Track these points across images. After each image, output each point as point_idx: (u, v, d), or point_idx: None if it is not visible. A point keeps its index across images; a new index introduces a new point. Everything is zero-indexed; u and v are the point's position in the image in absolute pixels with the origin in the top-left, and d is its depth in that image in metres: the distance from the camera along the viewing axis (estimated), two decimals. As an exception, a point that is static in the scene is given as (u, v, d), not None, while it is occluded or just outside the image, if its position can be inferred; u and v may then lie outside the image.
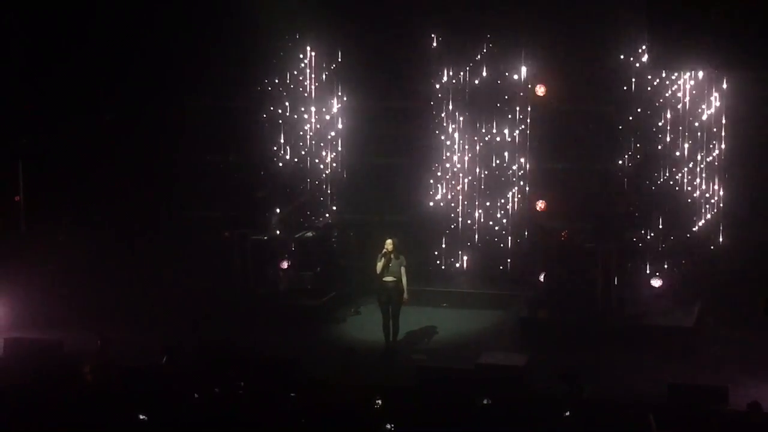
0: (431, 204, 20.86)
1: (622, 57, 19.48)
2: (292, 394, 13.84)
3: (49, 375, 14.81)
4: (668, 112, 19.55)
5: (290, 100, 21.16)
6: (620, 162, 19.77)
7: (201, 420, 13.58)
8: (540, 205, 20.21)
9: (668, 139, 19.59)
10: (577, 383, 14.29)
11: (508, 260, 20.41)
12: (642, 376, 16.07)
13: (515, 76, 20.21)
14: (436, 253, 20.76)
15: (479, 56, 20.34)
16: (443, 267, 20.72)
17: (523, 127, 20.39)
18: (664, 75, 19.39)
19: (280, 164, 21.24)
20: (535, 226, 20.03)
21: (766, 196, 19.28)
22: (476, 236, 20.70)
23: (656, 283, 18.95)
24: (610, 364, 16.50)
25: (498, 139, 20.52)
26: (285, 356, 15.95)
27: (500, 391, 14.36)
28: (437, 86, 20.58)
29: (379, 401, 13.88)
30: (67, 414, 13.59)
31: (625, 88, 19.57)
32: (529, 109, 20.28)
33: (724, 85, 19.29)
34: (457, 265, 20.75)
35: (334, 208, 21.43)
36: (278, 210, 20.52)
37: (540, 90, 20.07)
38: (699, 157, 19.53)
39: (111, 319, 18.30)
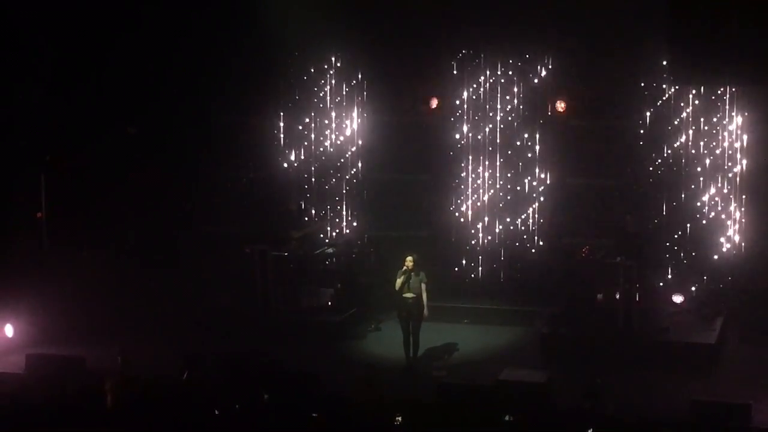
0: (452, 219, 20.86)
1: (642, 72, 19.48)
2: (314, 415, 13.81)
3: (71, 391, 14.85)
4: (689, 127, 19.53)
5: (312, 116, 21.27)
6: (640, 177, 19.74)
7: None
8: (560, 106, 20.03)
9: (689, 154, 19.55)
10: (599, 400, 14.24)
11: (529, 275, 20.39)
12: (665, 392, 15.99)
13: (536, 91, 20.23)
14: (456, 268, 20.75)
15: (500, 72, 20.37)
16: (464, 282, 20.72)
17: (543, 143, 20.39)
18: (684, 90, 19.39)
19: (301, 177, 21.36)
20: (557, 241, 20.05)
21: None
22: (500, 251, 20.69)
23: (678, 299, 18.92)
24: (632, 380, 16.42)
25: (519, 154, 20.53)
26: (306, 372, 15.93)
27: (522, 408, 14.31)
28: (458, 101, 20.63)
29: (400, 418, 13.86)
30: (89, 430, 13.61)
31: (645, 103, 19.57)
32: (542, 122, 20.29)
33: (747, 100, 19.26)
34: (478, 280, 20.73)
35: (355, 223, 21.48)
36: (301, 226, 20.60)
37: (560, 106, 20.09)
38: (720, 173, 19.48)
39: (132, 334, 18.32)
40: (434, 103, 20.76)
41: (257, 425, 13.88)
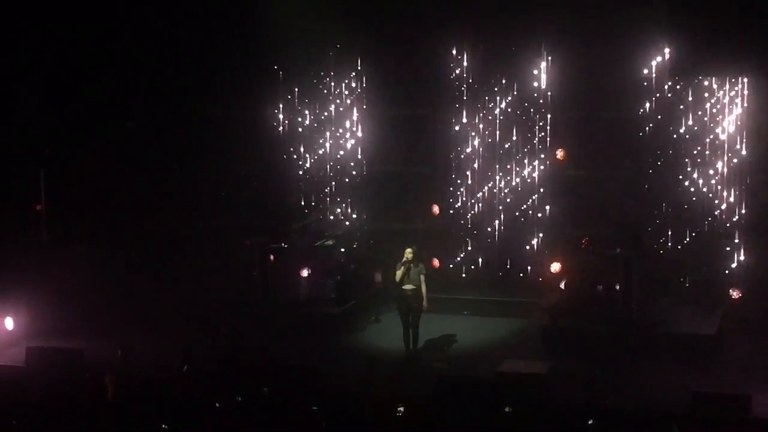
0: (451, 211, 20.87)
1: (643, 64, 19.48)
2: (314, 408, 13.82)
3: (70, 384, 14.85)
4: (690, 118, 19.51)
5: (313, 109, 21.26)
6: (640, 169, 19.73)
7: (223, 429, 13.60)
8: (559, 154, 20.08)
9: (690, 146, 19.55)
10: (599, 391, 14.25)
11: (529, 268, 20.40)
12: (665, 383, 15.98)
13: (536, 83, 20.22)
14: (457, 259, 20.76)
15: (500, 64, 20.35)
16: (463, 275, 20.74)
17: (543, 134, 20.38)
18: (685, 81, 19.39)
19: (300, 172, 21.36)
20: (557, 234, 20.08)
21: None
22: (497, 243, 20.69)
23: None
24: (632, 371, 16.43)
25: (518, 146, 20.52)
26: (306, 365, 15.94)
27: (522, 400, 14.31)
28: (457, 93, 20.61)
29: (401, 409, 13.86)
30: (89, 423, 13.62)
31: (646, 94, 19.56)
32: (549, 116, 20.31)
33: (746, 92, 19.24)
34: (478, 271, 20.75)
35: (354, 216, 21.49)
36: (299, 218, 20.60)
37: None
38: (720, 164, 19.46)
39: (132, 328, 18.36)
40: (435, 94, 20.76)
41: (257, 419, 13.88)
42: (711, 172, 19.51)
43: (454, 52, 20.49)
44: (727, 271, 19.29)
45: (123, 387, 14.54)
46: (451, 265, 20.71)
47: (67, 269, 20.01)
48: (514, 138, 20.50)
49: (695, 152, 19.55)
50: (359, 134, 21.36)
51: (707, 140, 19.46)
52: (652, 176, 19.71)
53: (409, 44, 20.37)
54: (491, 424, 13.78)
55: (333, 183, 21.41)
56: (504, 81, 20.39)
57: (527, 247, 20.52)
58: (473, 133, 20.68)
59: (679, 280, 19.25)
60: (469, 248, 20.85)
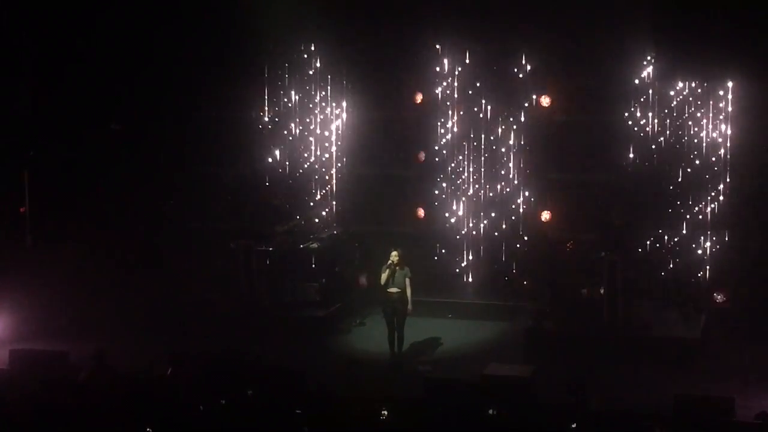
0: (436, 214, 20.88)
1: (627, 67, 19.54)
2: (298, 411, 13.81)
3: (54, 386, 14.81)
4: (673, 121, 19.57)
5: (295, 112, 21.25)
6: (624, 172, 19.78)
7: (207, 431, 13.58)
8: (545, 215, 20.24)
9: (674, 147, 19.61)
10: (583, 394, 14.28)
11: (513, 271, 20.43)
12: (648, 387, 16.04)
13: (521, 85, 20.26)
14: (439, 262, 20.77)
15: (483, 66, 20.38)
16: (448, 278, 20.76)
17: (528, 137, 20.41)
18: (669, 85, 19.45)
19: (285, 174, 21.36)
20: (541, 236, 20.09)
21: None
22: (481, 247, 20.71)
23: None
24: (616, 375, 16.48)
25: (503, 149, 20.55)
26: (291, 367, 15.93)
27: (506, 403, 14.33)
28: (440, 97, 20.63)
29: (385, 412, 13.87)
30: (73, 425, 13.58)
31: (630, 99, 19.61)
32: (524, 117, 20.31)
33: (730, 95, 19.31)
34: (462, 275, 20.76)
35: (339, 218, 21.48)
36: (284, 221, 20.59)
37: (545, 100, 20.13)
38: (703, 168, 19.53)
39: (116, 330, 18.32)
40: (419, 98, 20.77)
41: (242, 422, 13.86)
42: (695, 173, 19.57)
43: (438, 52, 20.51)
44: (709, 275, 19.35)
45: (105, 389, 14.50)
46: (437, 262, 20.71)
47: (52, 271, 19.95)
48: (500, 140, 20.53)
49: (679, 155, 19.60)
50: (343, 136, 21.34)
51: (692, 143, 19.54)
52: (637, 179, 19.76)
53: (391, 44, 20.38)
54: (475, 427, 13.79)
55: (318, 185, 21.40)
56: (488, 82, 20.41)
57: (513, 250, 20.55)
58: (459, 136, 20.69)
59: (663, 283, 19.29)
60: (454, 251, 20.85)
